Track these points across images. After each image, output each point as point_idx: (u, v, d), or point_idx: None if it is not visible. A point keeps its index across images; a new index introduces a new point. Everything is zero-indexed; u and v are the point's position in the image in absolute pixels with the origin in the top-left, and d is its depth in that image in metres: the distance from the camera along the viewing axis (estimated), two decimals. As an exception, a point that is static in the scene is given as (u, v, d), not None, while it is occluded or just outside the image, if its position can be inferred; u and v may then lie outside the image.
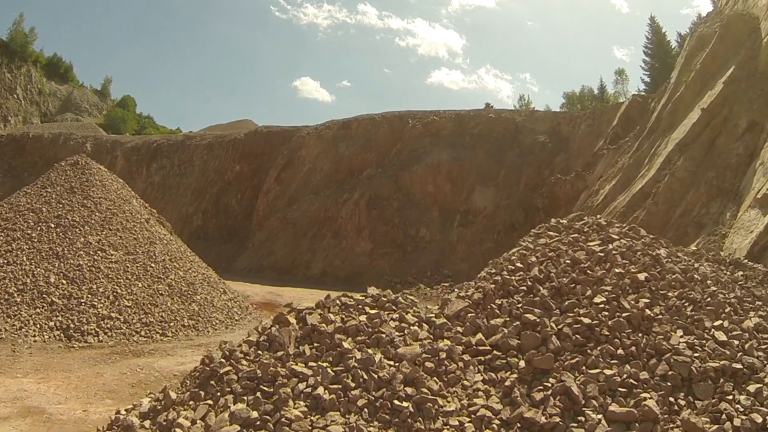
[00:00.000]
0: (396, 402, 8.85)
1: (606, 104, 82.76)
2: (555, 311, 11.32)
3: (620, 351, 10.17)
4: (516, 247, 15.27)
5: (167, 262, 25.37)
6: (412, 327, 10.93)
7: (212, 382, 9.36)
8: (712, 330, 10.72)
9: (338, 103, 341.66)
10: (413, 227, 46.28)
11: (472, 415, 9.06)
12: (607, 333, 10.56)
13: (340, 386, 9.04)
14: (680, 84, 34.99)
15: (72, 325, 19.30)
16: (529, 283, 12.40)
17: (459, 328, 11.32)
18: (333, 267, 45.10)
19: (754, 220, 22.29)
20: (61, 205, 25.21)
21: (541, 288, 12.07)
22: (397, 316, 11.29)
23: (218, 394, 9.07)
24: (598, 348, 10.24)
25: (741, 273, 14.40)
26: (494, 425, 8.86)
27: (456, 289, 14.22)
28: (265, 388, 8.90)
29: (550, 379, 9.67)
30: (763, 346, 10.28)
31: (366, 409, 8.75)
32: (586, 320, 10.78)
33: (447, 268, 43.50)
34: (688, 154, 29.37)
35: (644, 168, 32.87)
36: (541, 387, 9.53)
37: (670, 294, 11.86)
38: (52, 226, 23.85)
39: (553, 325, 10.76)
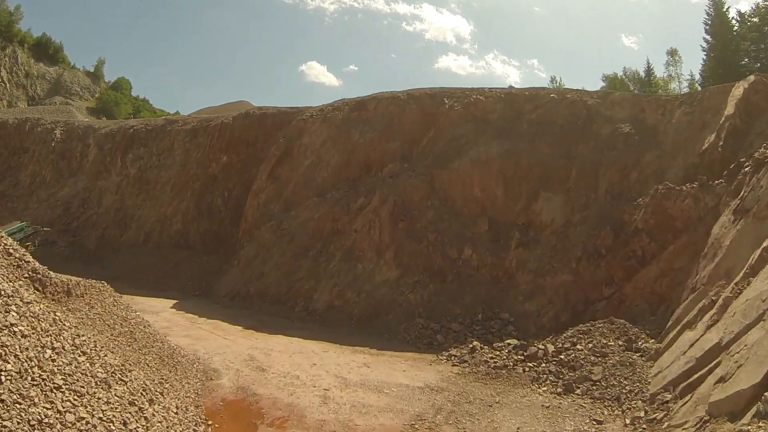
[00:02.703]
0: None
1: (656, 88, 69.17)
2: None
3: None
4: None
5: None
6: None
7: None
8: None
9: (345, 87, 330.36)
10: (454, 246, 31.72)
11: None
12: None
13: None
14: None
15: None
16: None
17: None
18: (344, 301, 30.56)
19: None
20: None
21: None
22: None
23: None
24: None
25: None
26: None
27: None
28: None
29: None
30: None
31: None
32: None
33: (505, 309, 29.06)
34: None
35: None
36: None
37: None
38: None
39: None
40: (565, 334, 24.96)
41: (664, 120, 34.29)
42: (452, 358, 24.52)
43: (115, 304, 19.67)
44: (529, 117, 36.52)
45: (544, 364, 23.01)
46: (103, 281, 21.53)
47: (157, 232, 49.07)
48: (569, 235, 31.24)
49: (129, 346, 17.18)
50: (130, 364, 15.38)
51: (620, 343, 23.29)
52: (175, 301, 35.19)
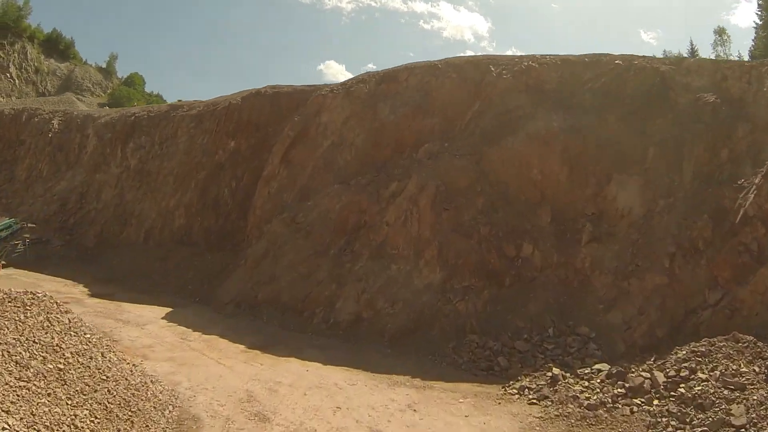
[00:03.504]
0: None
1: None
2: None
3: None
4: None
5: None
6: None
7: None
8: None
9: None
10: (511, 242, 25.04)
11: None
12: None
13: None
14: None
15: None
16: None
17: None
18: (374, 311, 23.90)
19: None
20: None
21: None
22: None
23: None
24: None
25: None
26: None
27: None
28: None
29: None
30: None
31: None
32: None
33: (582, 321, 22.44)
34: None
35: None
36: None
37: None
38: None
39: None
40: (674, 356, 18.19)
41: (752, 89, 27.35)
42: (526, 392, 17.78)
43: (49, 324, 13.15)
44: (592, 86, 29.62)
45: (657, 402, 16.22)
46: (45, 292, 15.10)
47: (159, 228, 42.89)
48: (654, 227, 24.41)
49: (50, 393, 10.61)
50: (43, 426, 8.88)
51: (756, 369, 16.41)
52: (169, 310, 29.00)
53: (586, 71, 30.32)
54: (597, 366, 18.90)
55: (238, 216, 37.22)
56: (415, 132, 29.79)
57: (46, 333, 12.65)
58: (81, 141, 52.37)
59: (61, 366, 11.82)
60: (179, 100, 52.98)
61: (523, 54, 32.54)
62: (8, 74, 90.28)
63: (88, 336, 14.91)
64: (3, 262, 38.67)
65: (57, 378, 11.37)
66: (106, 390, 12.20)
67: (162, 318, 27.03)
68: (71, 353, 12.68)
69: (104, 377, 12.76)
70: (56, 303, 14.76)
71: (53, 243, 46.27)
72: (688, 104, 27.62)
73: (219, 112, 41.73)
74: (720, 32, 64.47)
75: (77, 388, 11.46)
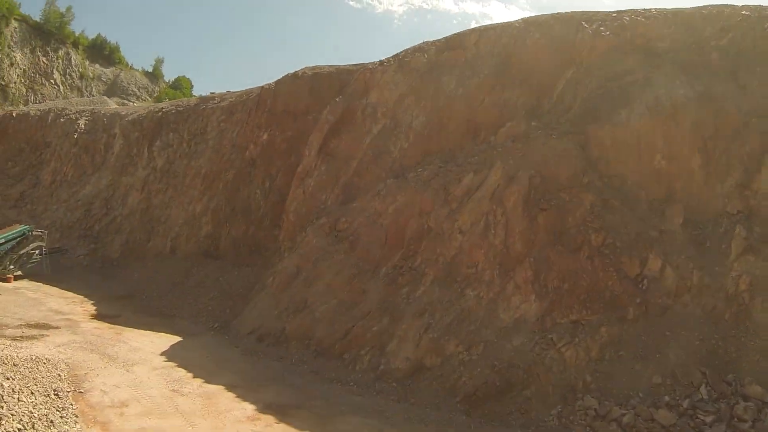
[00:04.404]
0: None
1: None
2: None
3: None
4: None
5: None
6: None
7: None
8: None
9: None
10: (634, 255, 17.44)
11: None
12: None
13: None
14: None
15: None
16: None
17: None
18: (442, 358, 16.58)
19: None
20: None
21: None
22: None
23: None
24: None
25: None
26: None
27: None
28: None
29: None
30: None
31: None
32: None
33: (749, 373, 14.75)
34: None
35: None
36: None
37: None
38: None
39: None
40: None
41: None
42: None
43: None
44: (717, 44, 21.78)
45: None
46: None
47: (185, 237, 36.86)
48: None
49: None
50: None
51: None
52: (177, 340, 22.55)
53: (706, 26, 22.48)
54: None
55: (271, 223, 30.61)
56: (492, 109, 22.43)
57: None
58: (107, 141, 46.92)
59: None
60: (212, 93, 46.74)
61: (622, 9, 24.63)
62: (52, 80, 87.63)
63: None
64: (16, 273, 34.57)
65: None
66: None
67: (161, 354, 20.46)
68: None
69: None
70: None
71: (76, 252, 41.26)
72: None
73: (250, 102, 35.19)
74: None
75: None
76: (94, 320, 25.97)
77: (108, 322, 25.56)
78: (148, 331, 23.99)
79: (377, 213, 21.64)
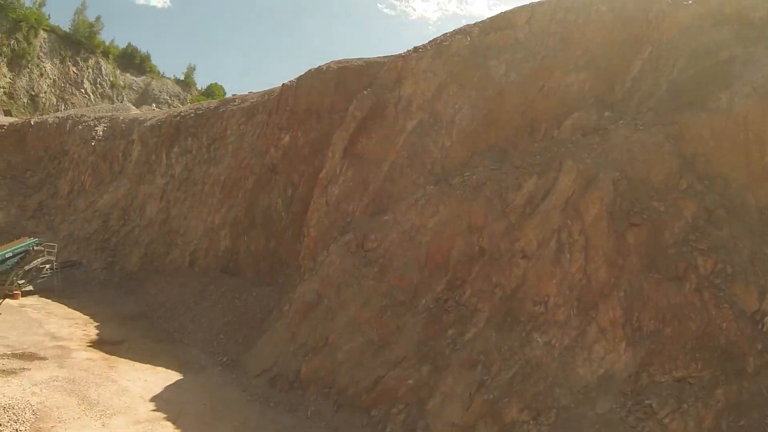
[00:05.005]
0: None
1: None
2: None
3: None
4: None
5: None
6: None
7: None
8: None
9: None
10: (748, 284, 12.84)
11: None
12: None
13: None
14: None
15: None
16: None
17: None
18: (500, 426, 12.21)
19: None
20: None
21: None
22: None
23: None
24: None
25: None
26: None
27: None
28: None
29: None
30: None
31: None
32: None
33: None
34: None
35: None
36: None
37: None
38: None
39: None
40: None
41: None
42: None
43: None
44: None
45: None
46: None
47: (204, 250, 33.52)
48: None
49: None
50: None
51: None
52: (177, 378, 18.87)
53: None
54: None
55: (293, 236, 26.77)
56: (552, 97, 18.13)
57: None
58: (125, 148, 43.88)
59: None
60: (234, 95, 43.31)
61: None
62: (83, 89, 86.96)
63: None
64: (26, 289, 31.99)
65: None
66: None
67: (151, 399, 16.79)
68: None
69: None
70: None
71: (93, 266, 38.43)
72: None
73: (272, 101, 31.49)
74: None
75: None
76: (91, 348, 22.67)
77: (105, 351, 22.33)
78: (146, 365, 20.54)
79: (414, 228, 17.54)
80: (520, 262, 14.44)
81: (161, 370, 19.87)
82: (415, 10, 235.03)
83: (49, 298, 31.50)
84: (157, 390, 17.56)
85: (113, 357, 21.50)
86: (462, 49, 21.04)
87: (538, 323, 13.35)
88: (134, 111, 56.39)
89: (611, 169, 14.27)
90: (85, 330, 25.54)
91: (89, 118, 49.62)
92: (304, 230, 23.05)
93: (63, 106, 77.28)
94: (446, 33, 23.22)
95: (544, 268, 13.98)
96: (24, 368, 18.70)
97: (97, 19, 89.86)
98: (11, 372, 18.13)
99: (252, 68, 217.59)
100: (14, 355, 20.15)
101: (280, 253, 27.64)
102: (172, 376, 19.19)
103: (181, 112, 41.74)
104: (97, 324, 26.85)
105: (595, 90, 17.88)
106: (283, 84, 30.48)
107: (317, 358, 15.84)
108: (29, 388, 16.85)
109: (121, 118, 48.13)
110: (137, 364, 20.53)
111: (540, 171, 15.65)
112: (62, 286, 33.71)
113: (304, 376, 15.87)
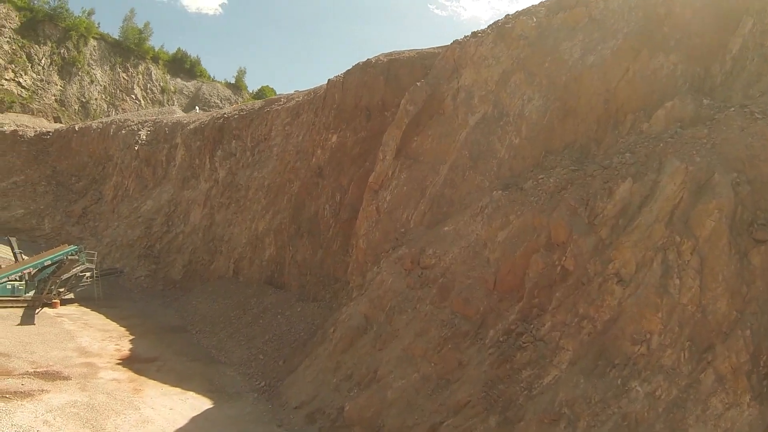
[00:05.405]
0: None
1: None
2: None
3: None
4: None
5: None
6: None
7: None
8: None
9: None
10: None
11: None
12: None
13: None
14: None
15: None
16: None
17: None
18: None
19: None
20: None
21: None
22: None
23: None
24: None
25: None
26: None
27: None
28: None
29: None
30: None
31: None
32: None
33: None
34: None
35: None
36: None
37: None
38: None
39: None
40: None
41: None
42: None
43: None
44: None
45: None
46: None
47: (248, 259, 32.12)
48: None
49: None
50: None
51: None
52: (207, 407, 16.98)
53: None
54: None
55: (341, 246, 24.65)
56: (639, 83, 15.19)
57: None
58: (169, 152, 42.98)
59: None
60: (280, 95, 41.73)
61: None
62: (133, 95, 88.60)
63: None
64: (67, 297, 31.08)
65: None
66: None
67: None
68: None
69: None
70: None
71: (136, 273, 37.90)
72: None
73: (318, 99, 29.49)
74: None
75: None
76: (120, 367, 21.04)
77: (134, 370, 20.66)
78: (175, 389, 18.78)
79: (480, 242, 14.96)
80: (615, 288, 11.46)
81: (191, 396, 18.00)
82: (466, 9, 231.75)
83: (88, 307, 30.56)
84: (182, 422, 15.62)
85: (141, 378, 19.81)
86: (528, 31, 18.24)
87: (638, 368, 10.41)
88: (178, 114, 55.77)
89: (726, 170, 11.28)
90: (118, 345, 24.04)
91: (133, 122, 49.12)
92: (353, 241, 20.82)
93: (114, 113, 78.21)
94: (508, 14, 20.60)
95: (645, 297, 10.95)
96: (43, 390, 17.10)
97: (146, 25, 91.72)
98: (28, 395, 16.52)
99: (302, 71, 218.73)
100: (36, 374, 18.62)
101: (327, 266, 25.53)
102: (202, 404, 17.26)
103: (225, 113, 40.47)
104: (132, 338, 25.39)
105: (687, 73, 14.84)
106: (328, 80, 28.37)
107: (364, 394, 13.44)
108: (42, 415, 15.16)
109: (164, 121, 47.33)
110: (166, 388, 18.76)
111: (635, 172, 12.63)
112: (104, 295, 32.85)
113: (347, 415, 13.51)
